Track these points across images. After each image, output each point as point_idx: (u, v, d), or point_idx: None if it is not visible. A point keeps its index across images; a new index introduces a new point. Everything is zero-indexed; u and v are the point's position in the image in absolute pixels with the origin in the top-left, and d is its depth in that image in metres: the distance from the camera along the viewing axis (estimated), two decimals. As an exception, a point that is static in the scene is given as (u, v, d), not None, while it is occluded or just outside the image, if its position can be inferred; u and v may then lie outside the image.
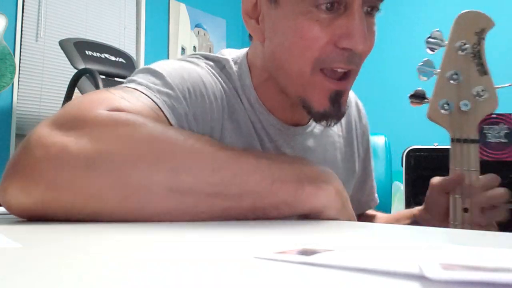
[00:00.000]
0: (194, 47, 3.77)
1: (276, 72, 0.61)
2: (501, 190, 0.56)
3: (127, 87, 0.54)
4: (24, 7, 2.73)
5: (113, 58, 2.54)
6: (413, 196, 1.39)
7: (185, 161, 0.45)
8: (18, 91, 2.67)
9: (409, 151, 1.45)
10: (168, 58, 3.56)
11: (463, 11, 0.55)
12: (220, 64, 0.64)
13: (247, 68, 0.64)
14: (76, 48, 2.38)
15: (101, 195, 0.43)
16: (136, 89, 0.53)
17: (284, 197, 0.49)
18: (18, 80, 2.68)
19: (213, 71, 0.62)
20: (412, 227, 0.56)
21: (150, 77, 0.56)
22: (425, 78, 0.58)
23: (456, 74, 0.55)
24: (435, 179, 0.62)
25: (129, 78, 0.58)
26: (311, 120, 0.68)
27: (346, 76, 0.57)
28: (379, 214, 0.84)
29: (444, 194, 0.59)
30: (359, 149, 0.79)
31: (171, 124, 0.52)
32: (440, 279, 0.21)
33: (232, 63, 0.64)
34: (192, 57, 0.65)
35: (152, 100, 0.52)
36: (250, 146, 0.62)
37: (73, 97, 2.30)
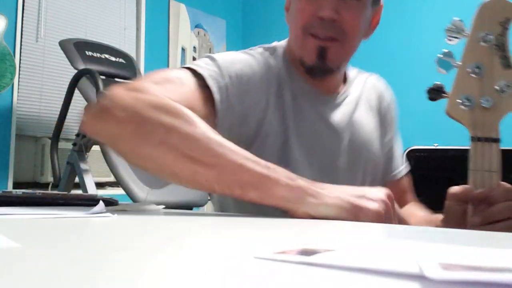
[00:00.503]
0: (194, 47, 3.77)
1: (292, 45, 0.80)
2: None
3: (185, 67, 0.71)
4: (24, 7, 2.74)
5: (113, 59, 2.54)
6: (414, 197, 1.39)
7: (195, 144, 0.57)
8: (18, 92, 2.67)
9: (409, 151, 1.45)
10: (168, 59, 3.56)
11: (487, 1, 0.52)
12: (271, 50, 0.80)
13: (287, 49, 0.81)
14: (76, 48, 2.38)
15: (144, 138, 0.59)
16: (190, 68, 0.70)
17: (248, 178, 0.55)
18: (18, 81, 2.68)
19: (265, 55, 0.78)
20: (412, 227, 0.56)
21: (206, 60, 0.73)
22: (444, 71, 0.54)
23: (478, 67, 0.51)
24: (453, 189, 0.58)
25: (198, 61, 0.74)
26: (341, 91, 0.84)
27: (331, 40, 0.74)
28: (415, 212, 0.82)
29: (462, 203, 0.57)
30: (388, 120, 0.89)
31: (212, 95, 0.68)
32: (440, 279, 0.21)
33: (279, 48, 0.81)
34: (251, 49, 0.80)
35: (201, 73, 0.69)
36: (291, 115, 0.76)
37: (73, 97, 2.30)
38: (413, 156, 1.42)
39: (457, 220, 0.58)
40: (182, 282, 0.22)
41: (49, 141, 2.45)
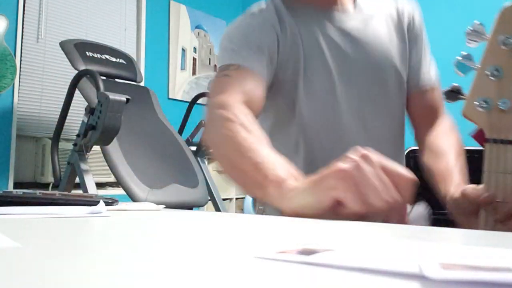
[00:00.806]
0: (194, 48, 3.77)
1: None
2: None
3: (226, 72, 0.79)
4: (25, 8, 2.74)
5: (113, 59, 2.55)
6: (414, 197, 1.39)
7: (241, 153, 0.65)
8: (18, 92, 2.68)
9: (409, 151, 1.45)
10: (168, 59, 3.56)
11: (508, 3, 0.52)
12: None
13: None
14: (77, 49, 2.39)
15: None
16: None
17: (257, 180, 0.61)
18: (19, 81, 2.68)
19: (257, 8, 0.87)
20: (412, 227, 0.56)
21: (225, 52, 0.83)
22: (462, 74, 0.54)
23: (497, 70, 0.51)
24: (469, 189, 0.58)
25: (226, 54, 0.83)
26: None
27: None
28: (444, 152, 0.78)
29: (475, 204, 0.56)
30: (411, 33, 0.88)
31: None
32: (440, 279, 0.21)
33: None
34: (251, 8, 0.89)
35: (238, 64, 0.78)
36: (299, 38, 0.82)
37: (73, 98, 2.30)
38: (413, 157, 1.42)
39: (466, 215, 0.57)
40: (182, 282, 0.22)
41: (50, 141, 2.45)
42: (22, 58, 2.71)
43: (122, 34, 3.27)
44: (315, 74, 0.81)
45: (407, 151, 1.44)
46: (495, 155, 0.51)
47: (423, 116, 0.85)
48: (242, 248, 0.33)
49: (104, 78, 2.34)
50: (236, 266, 0.26)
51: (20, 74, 2.69)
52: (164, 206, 0.74)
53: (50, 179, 2.61)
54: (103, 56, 2.48)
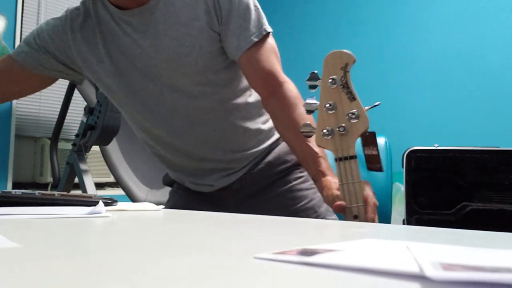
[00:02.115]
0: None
1: None
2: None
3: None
4: (24, 7, 2.74)
5: (113, 59, 2.55)
6: (414, 197, 1.39)
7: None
8: (18, 92, 2.68)
9: (409, 152, 1.45)
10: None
11: (329, 52, 0.67)
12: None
13: None
14: (76, 49, 2.38)
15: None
16: None
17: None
18: (18, 81, 2.68)
19: (70, 10, 1.04)
20: (411, 227, 0.56)
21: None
22: (311, 114, 0.69)
23: (331, 105, 0.66)
24: (326, 198, 0.73)
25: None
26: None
27: None
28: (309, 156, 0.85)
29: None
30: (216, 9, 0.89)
31: None
32: (440, 279, 0.21)
33: None
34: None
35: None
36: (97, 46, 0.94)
37: (72, 98, 2.30)
38: (414, 157, 1.42)
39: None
40: (182, 282, 0.22)
41: (49, 141, 2.45)
42: (21, 58, 2.71)
43: (122, 34, 3.27)
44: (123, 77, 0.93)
45: (407, 151, 1.45)
46: (343, 169, 0.66)
47: (260, 83, 0.90)
48: (242, 248, 0.33)
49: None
50: (236, 266, 0.26)
51: (19, 74, 2.69)
52: (163, 206, 0.74)
53: (49, 179, 2.60)
54: (103, 56, 2.48)
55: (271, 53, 0.90)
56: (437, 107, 2.76)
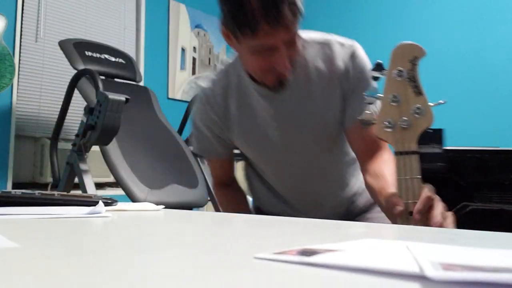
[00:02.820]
0: (194, 47, 3.77)
1: (249, 70, 1.00)
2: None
3: None
4: (24, 7, 2.74)
5: (113, 59, 2.54)
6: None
7: None
8: (17, 92, 2.67)
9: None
10: (167, 59, 3.56)
11: (398, 44, 0.66)
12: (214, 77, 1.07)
13: (242, 66, 1.02)
14: (76, 48, 2.38)
15: None
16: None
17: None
18: (18, 81, 2.68)
19: (206, 90, 1.08)
20: (411, 227, 0.56)
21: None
22: (372, 102, 0.68)
23: (396, 97, 0.64)
24: (388, 203, 0.72)
25: None
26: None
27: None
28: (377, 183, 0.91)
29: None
30: (342, 82, 0.98)
31: None
32: (440, 279, 0.21)
33: (232, 65, 1.04)
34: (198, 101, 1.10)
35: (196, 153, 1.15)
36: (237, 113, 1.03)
37: (72, 98, 2.30)
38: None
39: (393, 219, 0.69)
40: (182, 282, 0.22)
41: (49, 141, 2.45)
42: (21, 58, 2.70)
43: (122, 33, 3.27)
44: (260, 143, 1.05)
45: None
46: (402, 164, 0.64)
47: (363, 148, 0.98)
48: (242, 248, 0.33)
49: (103, 77, 2.34)
50: (237, 266, 0.26)
51: (19, 74, 2.68)
52: (163, 206, 0.74)
53: (49, 179, 2.60)
54: (103, 56, 2.48)
55: None
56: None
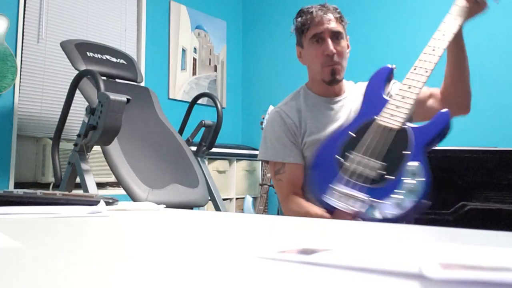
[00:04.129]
0: (195, 48, 3.78)
1: (314, 75, 1.37)
2: None
3: None
4: (26, 8, 2.74)
5: (114, 60, 2.55)
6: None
7: None
8: (19, 92, 2.68)
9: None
10: (168, 59, 3.56)
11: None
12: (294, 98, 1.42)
13: (308, 85, 1.40)
14: (77, 49, 2.39)
15: None
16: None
17: None
18: (20, 81, 2.68)
19: (283, 110, 1.38)
20: (411, 227, 0.56)
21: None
22: None
23: None
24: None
25: None
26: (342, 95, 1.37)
27: (335, 64, 1.33)
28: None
29: None
30: None
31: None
32: (440, 279, 0.21)
33: (301, 91, 1.40)
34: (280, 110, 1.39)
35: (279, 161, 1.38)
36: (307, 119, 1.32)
37: (74, 98, 2.31)
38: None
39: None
40: (185, 282, 0.22)
41: (50, 141, 2.45)
42: (22, 58, 2.71)
43: (123, 34, 3.27)
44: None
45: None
46: None
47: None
48: (244, 248, 0.34)
49: (104, 78, 2.34)
50: (238, 265, 0.26)
51: (20, 74, 2.69)
52: (164, 206, 0.74)
53: (50, 179, 2.61)
54: (104, 57, 2.48)
55: None
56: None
